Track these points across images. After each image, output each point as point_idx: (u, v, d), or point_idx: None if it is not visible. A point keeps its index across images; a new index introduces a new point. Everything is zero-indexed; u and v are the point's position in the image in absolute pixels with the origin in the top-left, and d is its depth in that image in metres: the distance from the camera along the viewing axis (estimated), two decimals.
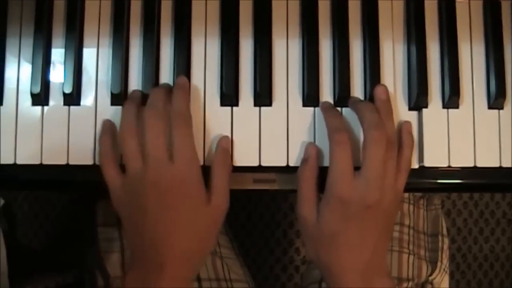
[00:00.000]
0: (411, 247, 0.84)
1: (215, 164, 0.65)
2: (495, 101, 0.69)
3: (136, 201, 0.62)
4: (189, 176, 0.62)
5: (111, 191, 0.65)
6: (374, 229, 0.63)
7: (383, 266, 0.65)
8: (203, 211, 0.63)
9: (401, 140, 0.66)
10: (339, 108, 0.68)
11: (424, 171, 0.68)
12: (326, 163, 0.66)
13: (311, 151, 0.66)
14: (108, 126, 0.67)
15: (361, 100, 0.68)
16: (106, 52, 0.68)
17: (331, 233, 0.62)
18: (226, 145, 0.66)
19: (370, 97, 0.67)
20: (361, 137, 0.64)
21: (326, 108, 0.67)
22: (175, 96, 0.64)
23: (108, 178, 0.64)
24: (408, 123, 0.68)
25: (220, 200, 0.64)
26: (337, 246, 0.62)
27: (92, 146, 0.67)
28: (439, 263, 0.85)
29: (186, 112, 0.64)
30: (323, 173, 0.64)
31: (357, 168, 0.62)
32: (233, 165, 0.66)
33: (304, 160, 0.66)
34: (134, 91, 0.68)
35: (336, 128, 0.63)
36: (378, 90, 0.67)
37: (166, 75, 0.68)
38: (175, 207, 0.61)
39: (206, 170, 0.64)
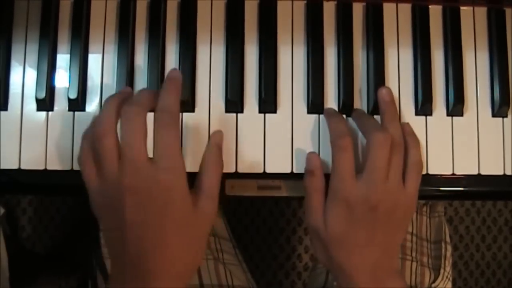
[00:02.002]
0: (414, 254, 0.84)
1: (206, 163, 0.61)
2: (499, 109, 0.69)
3: (114, 208, 0.57)
4: (173, 183, 0.56)
5: (89, 194, 0.60)
6: (381, 230, 0.62)
7: (394, 266, 0.65)
8: (190, 219, 0.58)
9: (405, 143, 0.66)
10: (343, 115, 0.68)
11: (428, 178, 0.68)
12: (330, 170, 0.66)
13: (315, 162, 0.65)
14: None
15: (364, 114, 0.68)
16: (111, 58, 0.68)
17: (339, 236, 0.62)
18: (220, 142, 0.63)
19: (374, 104, 0.67)
20: (364, 142, 0.64)
21: (330, 113, 0.67)
22: (164, 90, 0.58)
23: (86, 179, 0.59)
24: (407, 125, 0.68)
25: (210, 204, 0.60)
26: (347, 248, 0.62)
27: None
28: (442, 270, 0.85)
29: (174, 109, 0.58)
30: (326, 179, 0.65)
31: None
32: (238, 172, 0.66)
33: (310, 172, 0.65)
34: (125, 88, 0.64)
35: (339, 134, 0.63)
36: (382, 92, 0.67)
37: None
38: (159, 218, 0.56)
39: None
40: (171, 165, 0.56)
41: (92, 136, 0.59)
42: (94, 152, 0.59)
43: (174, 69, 0.62)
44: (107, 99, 0.60)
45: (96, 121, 0.59)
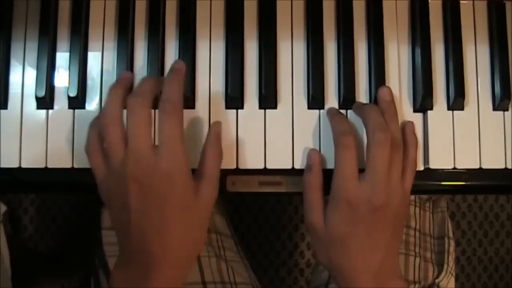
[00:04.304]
0: (417, 249, 0.84)
1: (206, 150, 0.62)
2: (500, 103, 0.69)
3: (119, 196, 0.59)
4: (175, 169, 0.58)
5: (97, 182, 0.62)
6: (384, 231, 0.63)
7: (395, 267, 0.65)
8: (192, 205, 0.60)
9: (405, 141, 0.66)
10: (344, 111, 0.68)
11: (429, 173, 0.68)
12: (330, 165, 0.66)
13: (315, 157, 0.66)
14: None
15: (365, 104, 0.68)
16: (111, 55, 0.68)
17: (340, 237, 0.62)
18: (218, 131, 0.64)
19: (375, 99, 0.67)
20: (366, 139, 0.64)
21: (332, 113, 0.67)
22: (168, 80, 0.61)
23: (94, 168, 0.61)
24: (410, 123, 0.68)
25: (210, 189, 0.61)
26: (348, 249, 0.62)
27: None
28: (445, 266, 0.85)
29: (177, 99, 0.59)
30: (327, 175, 0.64)
31: (361, 170, 0.62)
32: (238, 168, 0.66)
33: (309, 167, 0.66)
34: (124, 72, 0.65)
35: (342, 132, 0.63)
36: (383, 92, 0.67)
37: None
38: (161, 204, 0.58)
39: None
40: (172, 152, 0.58)
41: (99, 126, 0.61)
42: (101, 142, 0.61)
43: (178, 60, 0.64)
44: (111, 88, 0.62)
45: (103, 110, 0.60)
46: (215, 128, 0.64)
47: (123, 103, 0.60)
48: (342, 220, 0.62)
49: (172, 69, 0.62)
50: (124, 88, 0.62)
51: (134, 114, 0.58)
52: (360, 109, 0.66)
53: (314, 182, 0.65)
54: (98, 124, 0.62)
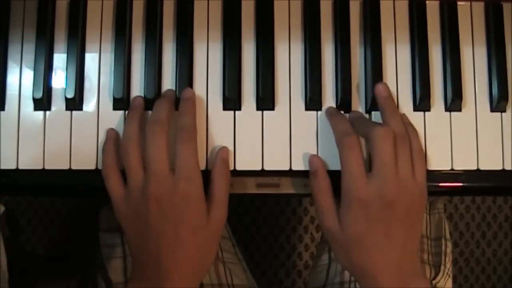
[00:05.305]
0: None
1: (214, 176, 0.65)
2: (498, 104, 0.69)
3: (138, 213, 0.62)
4: (191, 192, 0.61)
5: (113, 202, 0.65)
6: (400, 226, 0.62)
7: (416, 265, 0.64)
8: (204, 224, 0.63)
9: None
10: (341, 112, 0.68)
11: (427, 174, 0.68)
12: (332, 167, 0.67)
13: (317, 162, 0.66)
14: (111, 135, 0.67)
15: (362, 116, 0.68)
16: (108, 56, 0.68)
17: (357, 237, 0.62)
18: (226, 156, 0.66)
19: (372, 100, 0.67)
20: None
21: (332, 113, 0.67)
22: (182, 110, 0.65)
23: (110, 189, 0.64)
24: (404, 116, 0.68)
25: (220, 212, 0.64)
26: (366, 248, 0.62)
27: (94, 150, 0.67)
28: (442, 267, 0.85)
29: (192, 127, 0.64)
30: (332, 176, 0.65)
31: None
32: (236, 169, 0.67)
33: (314, 173, 0.66)
34: (135, 98, 0.67)
35: (344, 132, 0.63)
36: (379, 88, 0.67)
37: (168, 80, 0.68)
38: (177, 222, 0.61)
39: (208, 175, 0.65)
40: (188, 176, 0.62)
41: (113, 150, 0.66)
42: (116, 165, 0.65)
43: (188, 88, 0.67)
44: (128, 115, 0.66)
45: (123, 137, 0.65)
46: (222, 154, 0.66)
47: (140, 129, 0.64)
48: (357, 220, 0.62)
49: (184, 98, 0.66)
50: (139, 115, 0.66)
51: (153, 140, 0.62)
52: (354, 122, 0.66)
53: (323, 186, 0.65)
54: (112, 148, 0.66)
